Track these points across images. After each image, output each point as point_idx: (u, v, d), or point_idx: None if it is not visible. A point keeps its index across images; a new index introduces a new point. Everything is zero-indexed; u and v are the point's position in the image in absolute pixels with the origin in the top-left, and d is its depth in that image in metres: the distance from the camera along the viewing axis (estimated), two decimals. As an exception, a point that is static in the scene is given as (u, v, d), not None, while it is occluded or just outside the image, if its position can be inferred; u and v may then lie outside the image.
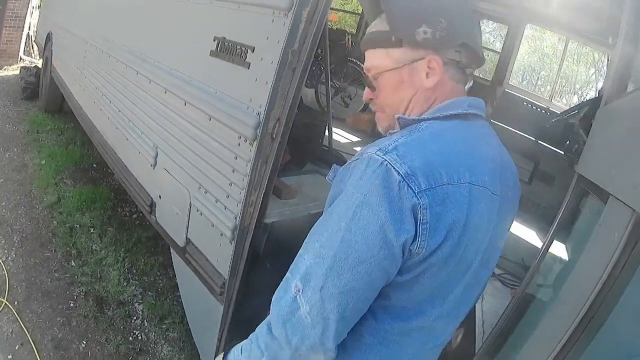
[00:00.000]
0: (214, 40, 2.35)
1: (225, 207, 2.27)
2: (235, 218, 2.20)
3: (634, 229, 0.90)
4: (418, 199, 0.95)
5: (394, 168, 0.95)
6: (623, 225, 0.93)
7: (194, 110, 2.49)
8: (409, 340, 1.16)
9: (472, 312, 1.97)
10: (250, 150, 2.08)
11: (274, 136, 2.02)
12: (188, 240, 2.65)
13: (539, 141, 3.99)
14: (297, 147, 3.15)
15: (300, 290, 1.04)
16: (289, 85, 1.93)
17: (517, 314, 1.50)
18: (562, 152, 3.40)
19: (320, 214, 1.94)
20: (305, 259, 1.07)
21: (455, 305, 1.17)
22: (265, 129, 2.01)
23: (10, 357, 2.95)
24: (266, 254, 2.43)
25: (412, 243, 0.97)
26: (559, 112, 4.14)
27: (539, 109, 4.21)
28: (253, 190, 2.11)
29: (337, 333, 1.03)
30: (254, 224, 2.18)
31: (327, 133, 3.70)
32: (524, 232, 3.09)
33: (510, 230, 2.95)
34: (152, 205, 3.03)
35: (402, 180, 0.95)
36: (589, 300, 0.97)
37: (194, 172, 2.51)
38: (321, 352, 1.05)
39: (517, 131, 4.13)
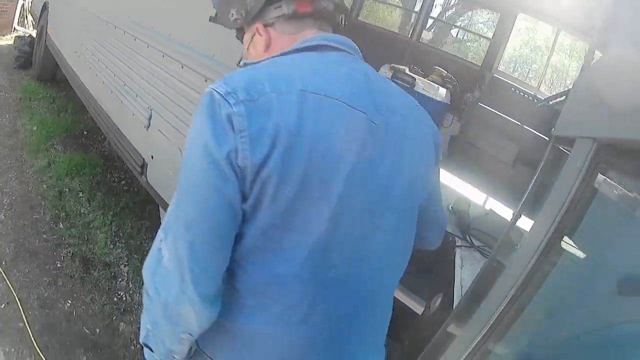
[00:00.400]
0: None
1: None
2: (227, 176, 2.26)
3: (595, 154, 0.96)
4: (232, 109, 0.94)
5: (216, 90, 0.97)
6: (585, 153, 0.99)
7: (191, 72, 2.54)
8: (284, 292, 1.05)
9: (452, 279, 2.04)
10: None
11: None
12: (178, 200, 2.69)
13: (525, 126, 4.05)
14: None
15: (162, 240, 1.02)
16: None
17: (487, 277, 1.57)
18: (548, 139, 3.52)
19: None
20: (169, 209, 1.04)
21: (339, 247, 1.05)
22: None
23: None
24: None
25: (236, 156, 0.94)
26: (543, 98, 4.23)
27: (526, 95, 4.28)
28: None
29: (195, 278, 0.98)
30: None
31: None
32: (507, 213, 3.18)
33: (494, 209, 3.02)
34: (144, 165, 3.08)
35: (222, 97, 0.96)
36: (554, 222, 1.02)
37: (187, 132, 2.55)
38: (186, 303, 0.99)
39: (503, 115, 4.18)
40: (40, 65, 6.71)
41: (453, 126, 4.67)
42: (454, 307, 1.71)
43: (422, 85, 4.65)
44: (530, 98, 4.25)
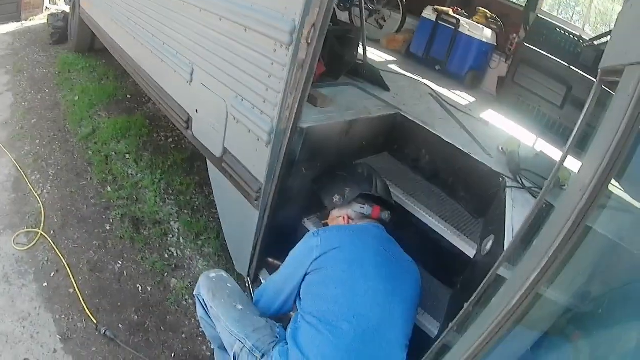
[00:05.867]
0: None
1: (262, 112, 2.39)
2: (272, 121, 2.32)
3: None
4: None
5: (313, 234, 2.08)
6: (636, 80, 0.95)
7: (229, 24, 2.57)
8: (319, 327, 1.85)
9: (503, 221, 2.04)
10: (286, 55, 2.17)
11: (309, 41, 2.12)
12: (225, 150, 2.78)
13: (571, 67, 3.96)
14: (332, 59, 3.22)
15: None
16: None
17: (536, 219, 1.56)
18: (594, 79, 3.42)
19: (354, 121, 2.71)
20: None
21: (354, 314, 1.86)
22: (301, 34, 2.10)
23: (45, 284, 3.06)
24: (302, 160, 2.54)
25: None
26: (588, 39, 4.11)
27: (571, 36, 4.15)
28: (289, 94, 2.23)
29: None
30: (290, 128, 2.31)
31: (361, 48, 3.76)
32: (557, 154, 3.14)
33: (543, 151, 3.01)
34: (189, 120, 3.15)
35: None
36: (603, 161, 0.99)
37: (230, 82, 2.62)
38: None
39: (549, 56, 4.09)
40: (77, 38, 6.81)
41: (500, 67, 4.66)
42: (504, 250, 1.72)
43: (467, 26, 4.63)
44: (576, 38, 4.12)
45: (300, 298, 2.02)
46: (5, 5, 8.77)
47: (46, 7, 9.56)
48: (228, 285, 2.20)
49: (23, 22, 9.01)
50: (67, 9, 8.04)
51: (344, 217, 2.31)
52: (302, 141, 2.46)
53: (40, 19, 9.15)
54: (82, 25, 6.39)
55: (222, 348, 2.20)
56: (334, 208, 2.37)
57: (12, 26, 8.67)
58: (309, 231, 2.72)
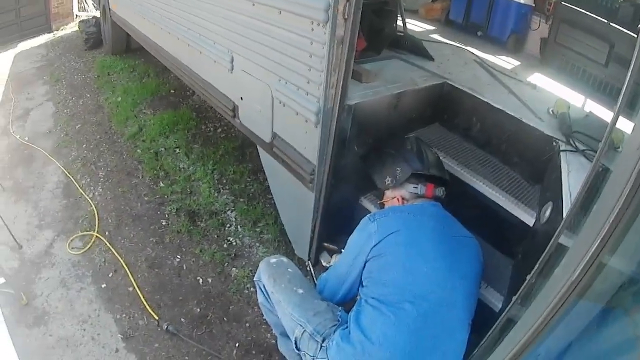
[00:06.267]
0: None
1: (307, 93, 2.35)
2: (318, 101, 2.29)
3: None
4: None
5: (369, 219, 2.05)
6: None
7: (263, 8, 2.54)
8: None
9: (560, 186, 1.97)
10: (325, 33, 2.13)
11: (346, 16, 2.07)
12: (274, 135, 2.77)
13: (611, 23, 3.80)
14: (372, 33, 3.16)
15: None
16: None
17: (593, 183, 1.48)
18: (635, 35, 3.28)
19: (402, 94, 2.69)
20: None
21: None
22: (336, 10, 2.05)
23: (103, 285, 3.11)
24: (352, 137, 2.51)
25: None
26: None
27: (608, -9, 3.99)
28: (332, 71, 2.18)
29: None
30: (337, 106, 2.27)
31: (400, 20, 3.69)
32: (605, 114, 3.02)
33: (593, 111, 2.91)
34: (235, 108, 3.15)
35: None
36: None
37: (271, 66, 2.59)
38: None
39: (589, 13, 3.93)
40: (111, 40, 6.91)
41: (541, 28, 4.50)
42: (564, 217, 1.64)
43: None
44: (613, -6, 3.95)
45: (362, 284, 2.01)
46: (34, 18, 9.00)
47: (76, 15, 9.73)
48: (289, 270, 2.18)
49: (55, 32, 9.24)
50: (97, 13, 8.16)
51: (397, 199, 2.24)
52: (350, 118, 2.42)
53: (71, 28, 9.34)
54: (115, 28, 6.48)
55: (284, 334, 2.21)
56: (387, 189, 2.31)
57: (44, 38, 8.92)
58: (367, 210, 2.71)
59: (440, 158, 2.50)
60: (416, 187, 2.21)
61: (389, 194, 2.29)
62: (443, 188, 2.25)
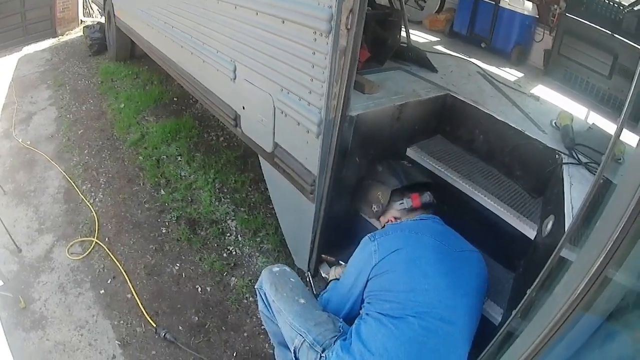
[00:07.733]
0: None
1: (309, 103, 2.35)
2: (320, 112, 2.28)
3: None
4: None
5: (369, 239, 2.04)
6: None
7: (266, 17, 2.54)
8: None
9: (562, 199, 1.96)
10: (327, 43, 2.12)
11: (349, 27, 2.06)
12: (275, 145, 2.76)
13: (614, 34, 3.80)
14: (375, 44, 3.16)
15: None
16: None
17: (596, 196, 1.47)
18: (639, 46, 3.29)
19: (404, 105, 2.65)
20: None
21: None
22: (339, 20, 2.04)
23: (102, 291, 3.11)
24: (354, 148, 2.51)
25: None
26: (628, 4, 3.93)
27: (611, 3, 3.98)
28: (334, 82, 2.18)
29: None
30: (339, 117, 2.27)
31: (403, 31, 3.68)
32: (609, 126, 3.01)
33: (596, 123, 2.92)
34: (237, 117, 3.15)
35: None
36: None
37: (274, 76, 2.59)
38: None
39: (592, 24, 3.93)
40: (116, 47, 6.94)
41: (545, 40, 4.53)
42: (565, 230, 1.63)
43: (507, 0, 4.48)
44: (616, 5, 3.95)
45: (364, 301, 2.01)
46: (39, 22, 9.02)
47: (81, 20, 9.77)
48: (291, 279, 2.18)
49: (59, 37, 9.27)
50: (102, 20, 8.19)
51: (391, 220, 2.31)
52: (352, 129, 2.42)
53: (76, 33, 9.36)
54: (119, 34, 6.50)
55: (283, 344, 2.19)
56: (378, 216, 2.40)
57: (49, 42, 8.94)
58: (367, 222, 2.71)
59: (412, 165, 2.60)
60: (402, 203, 2.29)
61: (382, 219, 2.38)
62: (428, 193, 2.31)
